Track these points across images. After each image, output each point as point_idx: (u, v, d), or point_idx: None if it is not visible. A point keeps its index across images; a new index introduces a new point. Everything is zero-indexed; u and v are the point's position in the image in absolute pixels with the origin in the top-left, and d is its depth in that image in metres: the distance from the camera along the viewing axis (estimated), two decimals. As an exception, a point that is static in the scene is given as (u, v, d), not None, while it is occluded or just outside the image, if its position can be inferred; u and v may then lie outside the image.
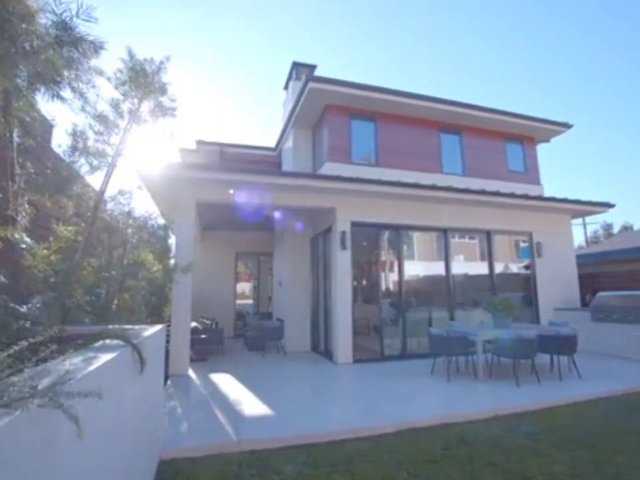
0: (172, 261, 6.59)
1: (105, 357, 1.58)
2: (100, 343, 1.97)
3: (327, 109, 9.06)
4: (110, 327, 3.35)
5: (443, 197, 8.05)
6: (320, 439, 3.74)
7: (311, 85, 8.32)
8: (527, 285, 9.44)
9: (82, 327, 2.88)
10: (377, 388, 5.52)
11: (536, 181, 10.86)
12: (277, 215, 10.64)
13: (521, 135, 11.01)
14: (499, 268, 9.13)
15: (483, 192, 8.34)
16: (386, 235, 8.34)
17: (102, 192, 3.14)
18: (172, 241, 7.25)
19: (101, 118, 3.12)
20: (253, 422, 4.10)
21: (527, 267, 9.66)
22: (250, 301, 13.95)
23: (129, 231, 4.00)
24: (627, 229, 37.38)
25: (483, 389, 5.45)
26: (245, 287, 14.16)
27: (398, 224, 8.13)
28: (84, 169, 3.27)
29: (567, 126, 10.95)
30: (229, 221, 11.29)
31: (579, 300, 9.65)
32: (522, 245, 9.80)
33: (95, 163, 3.26)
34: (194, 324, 8.66)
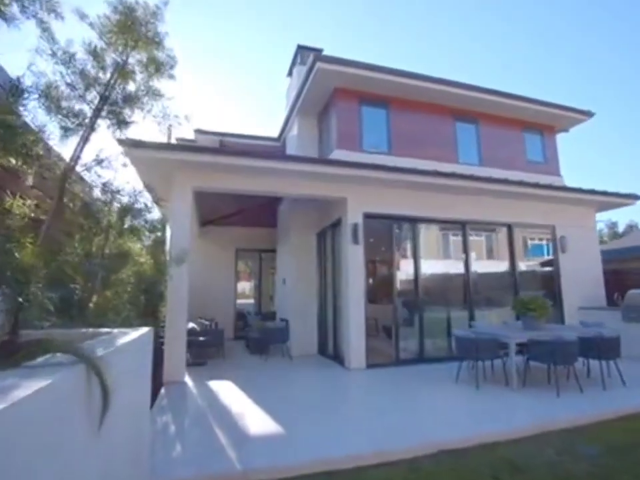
0: (166, 253, 5.92)
1: (24, 391, 0.91)
2: (41, 359, 1.31)
3: (336, 93, 8.40)
4: (84, 330, 2.69)
5: (463, 187, 7.39)
6: (343, 465, 3.09)
7: (319, 65, 7.65)
8: (549, 282, 8.79)
9: (41, 332, 2.22)
10: (399, 398, 4.86)
11: (556, 171, 10.21)
12: (281, 207, 9.99)
13: (540, 124, 10.35)
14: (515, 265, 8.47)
15: (505, 181, 7.69)
16: (400, 228, 7.68)
17: (74, 158, 2.48)
18: (167, 235, 6.57)
19: (73, 64, 2.45)
20: (259, 443, 3.44)
21: (544, 264, 9.00)
22: (251, 301, 13.29)
23: (113, 215, 3.34)
24: (632, 227, 36.75)
25: (519, 400, 4.79)
26: (245, 286, 13.49)
27: (413, 216, 7.46)
28: (54, 135, 2.60)
29: (588, 114, 10.30)
30: (228, 214, 10.62)
31: (604, 298, 9.00)
32: (530, 242, 9.15)
33: (69, 124, 2.59)
34: (191, 325, 7.99)
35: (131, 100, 2.70)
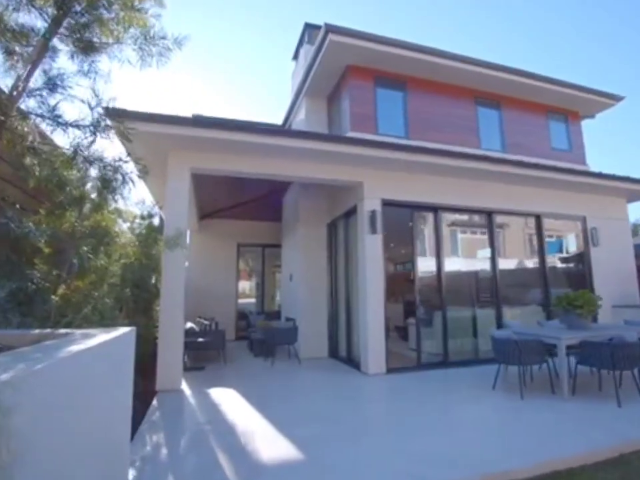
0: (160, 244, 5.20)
1: None
2: None
3: (348, 72, 7.66)
4: (21, 332, 1.95)
5: (491, 171, 6.64)
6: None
7: (332, 37, 6.91)
8: (579, 278, 8.07)
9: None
10: (434, 412, 4.11)
11: (581, 160, 9.49)
12: (286, 197, 9.24)
13: (564, 109, 9.63)
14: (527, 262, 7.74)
15: (536, 165, 6.96)
16: (420, 217, 6.94)
17: (19, 88, 1.73)
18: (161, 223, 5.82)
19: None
20: (276, 475, 2.69)
21: (569, 260, 8.28)
22: (251, 300, 12.52)
23: (88, 183, 2.60)
24: (636, 227, 36.05)
25: (576, 412, 4.05)
26: (245, 285, 12.70)
27: (435, 204, 6.73)
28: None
29: (616, 98, 9.59)
30: (229, 206, 9.87)
31: (637, 295, 8.29)
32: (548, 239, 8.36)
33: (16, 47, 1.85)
34: (189, 325, 7.24)
35: (97, 11, 1.94)
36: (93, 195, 2.78)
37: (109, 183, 2.54)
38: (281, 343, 6.88)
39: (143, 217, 5.24)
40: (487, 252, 7.29)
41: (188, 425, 3.76)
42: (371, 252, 6.05)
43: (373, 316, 5.90)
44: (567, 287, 7.91)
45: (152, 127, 4.80)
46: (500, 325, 6.89)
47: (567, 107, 9.59)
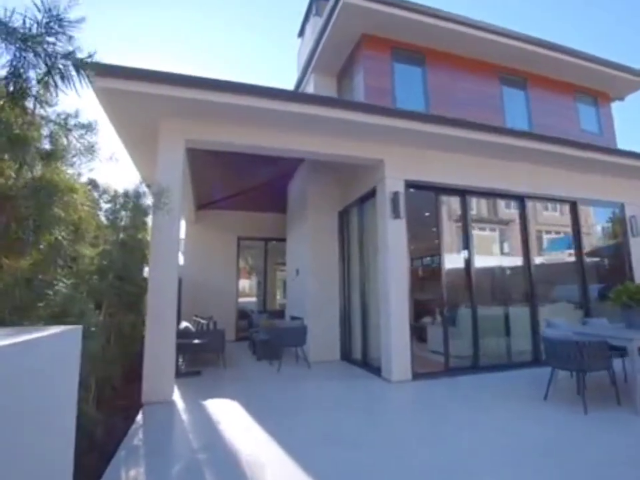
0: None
1: None
2: None
3: (363, 42, 6.86)
4: None
5: (525, 148, 5.83)
6: None
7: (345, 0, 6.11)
8: (615, 272, 7.28)
9: None
10: (488, 431, 3.30)
11: (612, 144, 8.69)
12: (291, 184, 8.42)
13: (593, 89, 8.86)
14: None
15: (577, 144, 6.18)
16: (447, 202, 6.14)
17: None
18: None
19: None
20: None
21: (595, 253, 7.48)
22: (252, 299, 11.70)
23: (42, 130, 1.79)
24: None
25: (661, 431, 3.26)
26: (244, 284, 11.88)
27: (463, 186, 5.93)
28: None
29: (649, 77, 8.81)
30: (230, 193, 9.06)
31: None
32: (551, 235, 7.52)
33: None
34: (184, 324, 6.43)
35: None
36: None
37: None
38: (288, 345, 6.07)
39: (127, 196, 4.42)
40: (513, 244, 6.51)
41: (179, 451, 2.95)
42: (394, 240, 5.25)
43: (397, 314, 5.09)
44: (601, 282, 7.14)
45: (139, 86, 3.98)
46: (535, 323, 6.11)
47: (596, 86, 8.82)
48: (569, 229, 7.04)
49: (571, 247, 7.53)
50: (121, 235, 4.36)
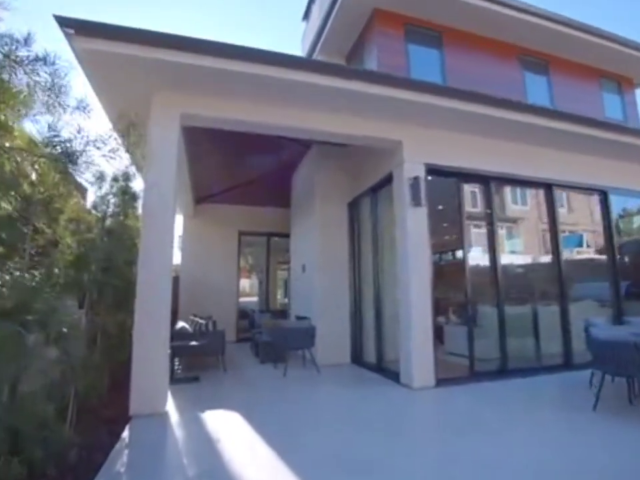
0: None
1: None
2: None
3: (375, 17, 6.32)
4: None
5: (557, 130, 5.28)
6: None
7: (357, -33, 5.58)
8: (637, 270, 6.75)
9: None
10: (539, 454, 2.75)
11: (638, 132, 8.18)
12: (296, 175, 7.86)
13: (618, 75, 8.35)
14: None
15: (609, 125, 5.65)
16: (468, 189, 5.61)
17: None
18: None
19: None
20: None
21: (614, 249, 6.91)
22: (252, 299, 11.16)
23: None
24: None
25: None
26: (244, 283, 11.33)
27: (487, 172, 5.38)
28: None
29: (677, 62, 8.28)
30: (230, 185, 8.52)
31: None
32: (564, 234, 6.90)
33: None
34: (181, 324, 5.88)
35: None
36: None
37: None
38: (295, 347, 5.52)
39: (115, 179, 3.88)
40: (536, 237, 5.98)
41: (169, 480, 2.40)
42: (414, 230, 4.71)
43: (418, 313, 4.55)
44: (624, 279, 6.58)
45: (127, 48, 3.44)
46: (566, 324, 5.56)
47: (621, 71, 8.30)
48: (577, 227, 6.53)
49: (581, 244, 7.00)
50: (108, 222, 3.84)
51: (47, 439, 2.50)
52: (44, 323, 2.26)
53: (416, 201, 4.69)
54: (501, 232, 5.78)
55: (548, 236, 5.88)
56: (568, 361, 5.45)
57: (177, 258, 9.60)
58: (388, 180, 5.28)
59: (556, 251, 5.78)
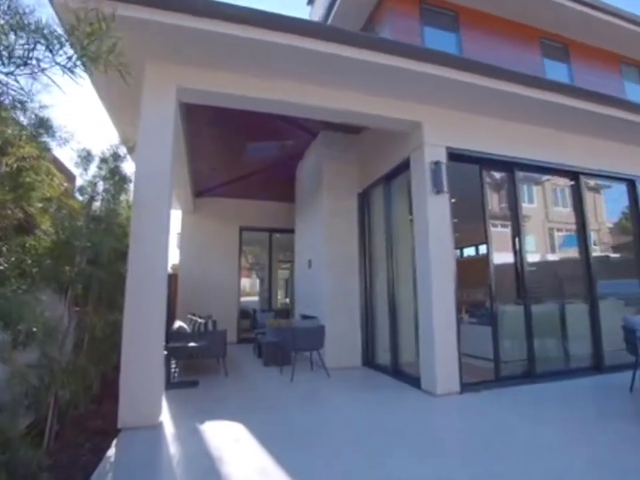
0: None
1: None
2: None
3: (386, -5, 5.90)
4: None
5: (587, 112, 4.85)
6: None
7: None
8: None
9: None
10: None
11: (661, 123, 7.77)
12: (301, 165, 7.40)
13: (639, 61, 7.95)
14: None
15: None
16: (491, 177, 5.17)
17: None
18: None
19: None
20: None
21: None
22: (253, 298, 10.71)
23: None
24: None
25: None
26: (244, 282, 10.87)
27: (512, 158, 4.95)
28: None
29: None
30: (231, 178, 8.08)
31: None
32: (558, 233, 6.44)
33: None
34: (178, 324, 5.44)
35: None
36: None
37: None
38: (303, 349, 5.08)
39: (104, 160, 3.43)
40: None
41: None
42: (436, 219, 4.27)
43: (441, 312, 4.11)
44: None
45: (114, 5, 2.99)
46: (595, 323, 5.13)
47: (642, 57, 7.89)
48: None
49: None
50: (95, 207, 3.39)
51: (11, 461, 2.06)
52: (6, 320, 1.82)
53: (438, 188, 4.26)
54: (527, 226, 5.33)
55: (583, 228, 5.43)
56: (598, 363, 5.02)
57: (175, 256, 9.17)
58: (405, 166, 4.84)
59: (584, 246, 5.35)
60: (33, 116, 2.33)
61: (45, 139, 2.42)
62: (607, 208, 6.29)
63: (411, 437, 2.92)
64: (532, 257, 5.24)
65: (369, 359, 5.67)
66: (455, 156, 4.62)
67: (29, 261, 2.36)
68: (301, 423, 3.25)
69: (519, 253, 4.90)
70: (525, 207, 5.29)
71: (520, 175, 5.12)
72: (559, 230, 6.03)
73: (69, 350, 3.69)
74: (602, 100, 4.86)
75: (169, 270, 8.55)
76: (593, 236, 5.75)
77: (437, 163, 4.31)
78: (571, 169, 5.39)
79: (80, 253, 3.02)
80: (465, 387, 4.14)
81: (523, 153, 5.02)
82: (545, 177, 5.65)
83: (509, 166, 5.02)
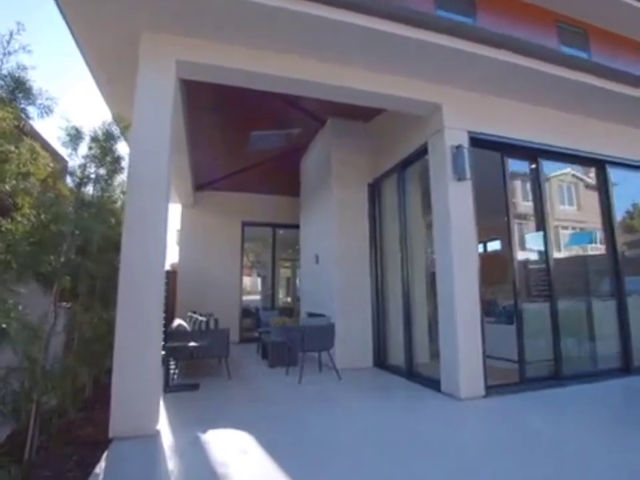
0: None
1: None
2: None
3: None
4: None
5: (622, 95, 4.51)
6: None
7: None
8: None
9: None
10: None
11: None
12: (306, 157, 7.05)
13: (660, 49, 7.60)
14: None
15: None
16: (515, 165, 4.83)
17: None
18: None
19: None
20: None
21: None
22: (255, 297, 10.38)
23: None
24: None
25: None
26: (245, 281, 10.51)
27: (536, 145, 4.60)
28: None
29: None
30: (233, 170, 7.75)
31: None
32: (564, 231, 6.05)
33: None
34: (178, 322, 5.10)
35: None
36: None
37: None
38: (313, 349, 4.73)
39: (95, 138, 3.10)
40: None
41: None
42: (458, 209, 3.93)
43: (464, 310, 3.77)
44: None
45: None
46: (624, 321, 4.80)
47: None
48: (585, 225, 5.76)
49: (592, 241, 6.23)
50: (86, 191, 3.06)
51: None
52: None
53: (460, 174, 3.92)
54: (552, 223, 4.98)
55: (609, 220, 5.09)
56: (627, 364, 4.68)
57: (174, 254, 8.82)
58: (421, 153, 4.52)
59: (610, 240, 5.02)
60: (8, 77, 1.99)
61: (24, 105, 2.08)
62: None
63: (447, 451, 2.57)
64: (556, 253, 4.91)
65: (380, 360, 5.34)
66: (476, 141, 4.28)
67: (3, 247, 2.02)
68: (315, 431, 2.91)
69: (543, 248, 4.57)
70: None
71: (543, 164, 4.78)
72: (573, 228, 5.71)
73: (59, 351, 3.36)
74: (637, 82, 4.51)
75: (168, 267, 8.26)
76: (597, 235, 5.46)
77: (458, 147, 3.97)
78: (596, 156, 5.05)
79: (68, 241, 2.69)
80: (489, 389, 3.81)
81: (548, 140, 4.68)
82: (552, 173, 5.30)
83: (533, 153, 4.68)
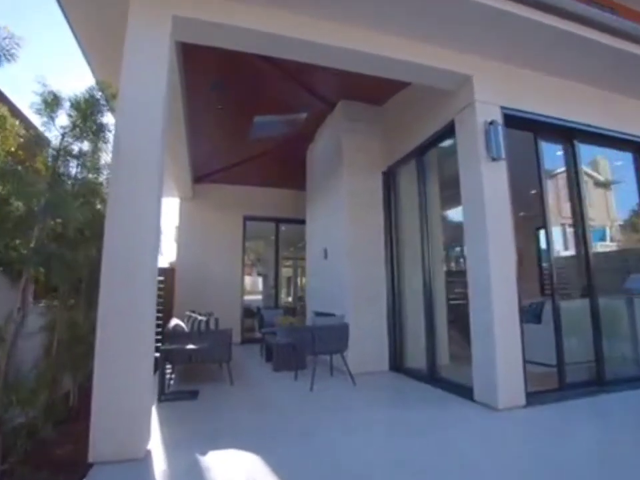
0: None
1: None
2: None
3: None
4: None
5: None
6: None
7: None
8: None
9: None
10: None
11: None
12: (312, 148, 6.57)
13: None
14: None
15: None
16: (549, 147, 4.37)
17: None
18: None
19: None
20: None
21: None
22: (256, 297, 9.94)
23: None
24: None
25: None
26: (245, 280, 10.04)
27: (573, 123, 4.13)
28: None
29: None
30: (234, 161, 7.27)
31: None
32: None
33: None
34: (175, 322, 4.63)
35: None
36: None
37: None
38: (325, 351, 4.25)
39: (75, 105, 2.63)
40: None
41: None
42: (492, 193, 3.46)
43: (501, 310, 3.29)
44: None
45: None
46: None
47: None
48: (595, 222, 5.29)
49: (604, 239, 5.79)
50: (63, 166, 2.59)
51: None
52: None
53: (494, 153, 3.45)
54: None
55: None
56: (673, 369, 4.23)
57: (172, 252, 8.35)
58: (445, 134, 4.05)
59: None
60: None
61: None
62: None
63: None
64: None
65: (397, 362, 4.87)
66: (507, 119, 3.81)
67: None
68: (339, 453, 2.44)
69: (582, 241, 4.10)
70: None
71: (580, 146, 4.32)
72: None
73: (35, 356, 2.89)
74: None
75: (167, 264, 7.76)
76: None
77: (492, 123, 3.50)
78: (634, 138, 4.59)
79: (39, 223, 2.22)
80: (529, 397, 3.35)
81: (584, 119, 4.21)
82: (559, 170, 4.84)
83: (568, 134, 4.21)
